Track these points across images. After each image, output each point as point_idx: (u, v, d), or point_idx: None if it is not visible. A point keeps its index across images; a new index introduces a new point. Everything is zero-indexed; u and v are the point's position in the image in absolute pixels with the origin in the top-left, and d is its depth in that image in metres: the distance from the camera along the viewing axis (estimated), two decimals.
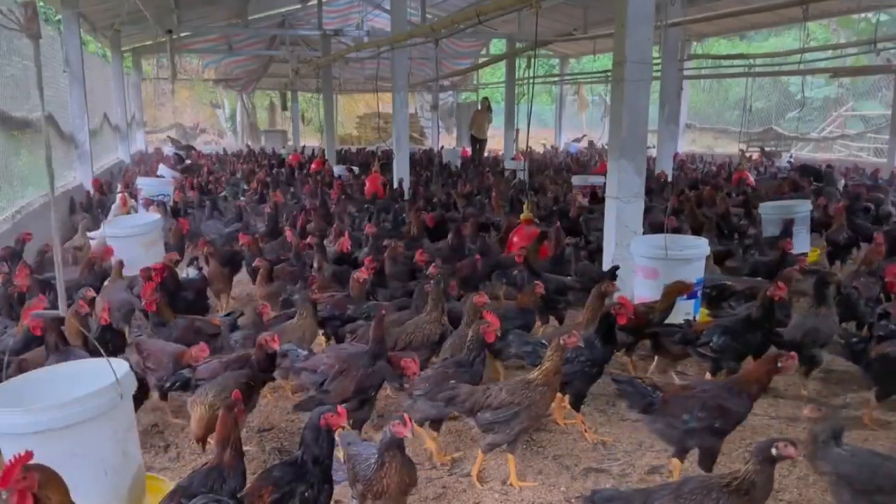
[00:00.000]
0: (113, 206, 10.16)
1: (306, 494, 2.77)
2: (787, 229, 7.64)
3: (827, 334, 4.68)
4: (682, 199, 9.56)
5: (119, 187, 10.84)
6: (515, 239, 7.34)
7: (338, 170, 15.81)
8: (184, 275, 6.23)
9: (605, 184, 6.92)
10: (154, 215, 8.60)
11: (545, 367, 3.61)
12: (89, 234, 7.92)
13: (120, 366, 3.30)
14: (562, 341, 3.61)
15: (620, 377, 3.87)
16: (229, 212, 9.86)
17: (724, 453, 4.05)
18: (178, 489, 2.92)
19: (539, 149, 25.27)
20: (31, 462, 2.28)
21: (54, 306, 5.17)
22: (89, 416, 2.96)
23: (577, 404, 4.29)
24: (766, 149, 19.36)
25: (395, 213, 9.43)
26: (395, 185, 11.95)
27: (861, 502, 3.03)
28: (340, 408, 2.96)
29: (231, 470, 2.97)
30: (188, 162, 17.92)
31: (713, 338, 4.58)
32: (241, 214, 9.43)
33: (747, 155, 17.59)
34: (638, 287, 6.02)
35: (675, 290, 5.16)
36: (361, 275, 5.56)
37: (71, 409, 2.93)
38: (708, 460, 3.54)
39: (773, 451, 2.61)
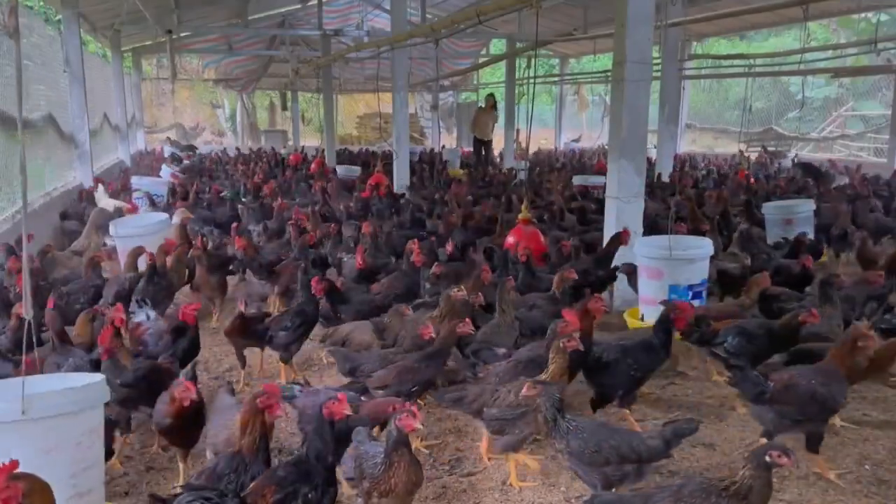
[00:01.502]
0: (97, 194, 10.15)
1: (309, 496, 2.75)
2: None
3: (828, 336, 4.68)
4: (684, 198, 9.55)
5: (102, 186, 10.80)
6: (511, 239, 7.31)
7: (340, 170, 15.79)
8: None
9: (604, 184, 6.92)
10: (162, 215, 8.59)
11: (551, 370, 3.62)
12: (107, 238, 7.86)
13: (79, 380, 3.20)
14: (562, 344, 3.62)
15: (736, 363, 3.88)
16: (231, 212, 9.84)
17: (724, 453, 4.06)
18: (204, 471, 3.00)
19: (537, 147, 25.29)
20: (17, 471, 2.27)
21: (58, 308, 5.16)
22: None
23: (628, 404, 4.26)
24: (770, 149, 19.35)
25: (411, 212, 9.40)
26: (395, 187, 11.95)
27: (594, 475, 3.14)
28: (341, 394, 2.95)
29: (251, 456, 2.97)
30: (187, 163, 17.92)
31: (728, 338, 4.57)
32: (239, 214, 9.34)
33: (746, 155, 17.60)
34: (642, 287, 6.03)
35: (759, 283, 5.33)
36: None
37: None
38: (816, 444, 3.71)
39: (767, 458, 2.61)
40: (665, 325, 4.21)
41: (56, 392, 2.97)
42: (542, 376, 3.65)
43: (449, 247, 7.02)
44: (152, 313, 5.04)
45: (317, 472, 2.81)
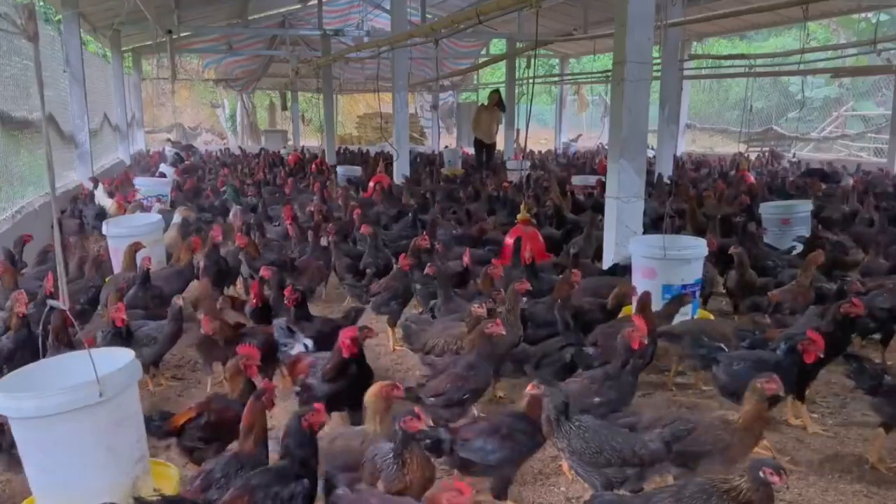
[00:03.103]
0: (98, 193, 10.15)
1: (280, 494, 2.73)
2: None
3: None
4: (684, 199, 9.54)
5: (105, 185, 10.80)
6: (510, 240, 7.30)
7: (340, 170, 15.78)
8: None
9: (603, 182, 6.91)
10: (156, 215, 8.58)
11: (746, 411, 3.31)
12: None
13: (123, 357, 3.32)
14: (759, 385, 3.32)
15: (853, 354, 3.88)
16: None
17: None
18: (202, 472, 3.02)
19: (538, 147, 25.29)
20: None
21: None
22: (63, 409, 2.97)
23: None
24: (775, 150, 19.39)
25: (414, 215, 9.21)
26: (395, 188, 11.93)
27: (595, 476, 3.14)
28: (317, 405, 2.95)
29: (250, 459, 2.96)
30: (187, 163, 17.92)
31: (780, 345, 4.34)
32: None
33: (745, 155, 17.64)
34: (637, 287, 6.02)
35: (814, 261, 5.43)
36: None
37: (45, 400, 2.96)
38: None
39: (760, 474, 2.62)
40: (793, 356, 3.95)
41: (120, 370, 3.19)
42: (732, 417, 3.38)
43: (466, 258, 6.49)
44: (309, 342, 4.39)
45: (293, 475, 2.79)
